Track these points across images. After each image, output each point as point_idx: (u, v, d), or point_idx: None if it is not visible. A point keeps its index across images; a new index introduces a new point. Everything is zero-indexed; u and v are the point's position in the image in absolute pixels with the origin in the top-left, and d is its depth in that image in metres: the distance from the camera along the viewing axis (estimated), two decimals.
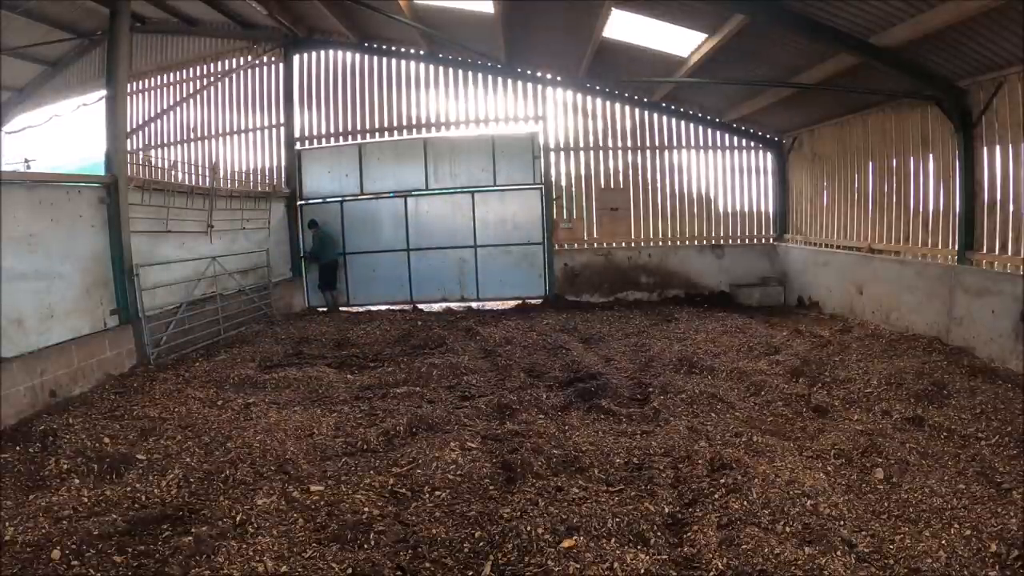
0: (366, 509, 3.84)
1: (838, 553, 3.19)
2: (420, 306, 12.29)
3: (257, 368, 7.34)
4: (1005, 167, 7.05)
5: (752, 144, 12.49)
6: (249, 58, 13.04)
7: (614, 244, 12.58)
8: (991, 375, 5.98)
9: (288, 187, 12.57)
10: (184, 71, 13.63)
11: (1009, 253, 6.96)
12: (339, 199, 12.60)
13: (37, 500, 3.91)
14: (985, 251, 7.33)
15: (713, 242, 12.51)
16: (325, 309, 12.26)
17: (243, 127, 13.26)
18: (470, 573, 3.23)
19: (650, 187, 12.51)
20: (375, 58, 12.67)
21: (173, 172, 12.08)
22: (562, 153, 12.54)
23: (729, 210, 12.58)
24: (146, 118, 13.95)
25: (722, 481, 4.00)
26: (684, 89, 11.30)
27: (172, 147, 13.78)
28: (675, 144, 12.47)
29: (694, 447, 4.53)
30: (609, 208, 12.51)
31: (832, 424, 5.18)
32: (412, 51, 12.48)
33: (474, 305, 12.31)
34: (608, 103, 12.44)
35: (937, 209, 8.18)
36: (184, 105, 13.62)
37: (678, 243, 12.51)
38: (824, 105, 9.82)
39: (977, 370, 6.13)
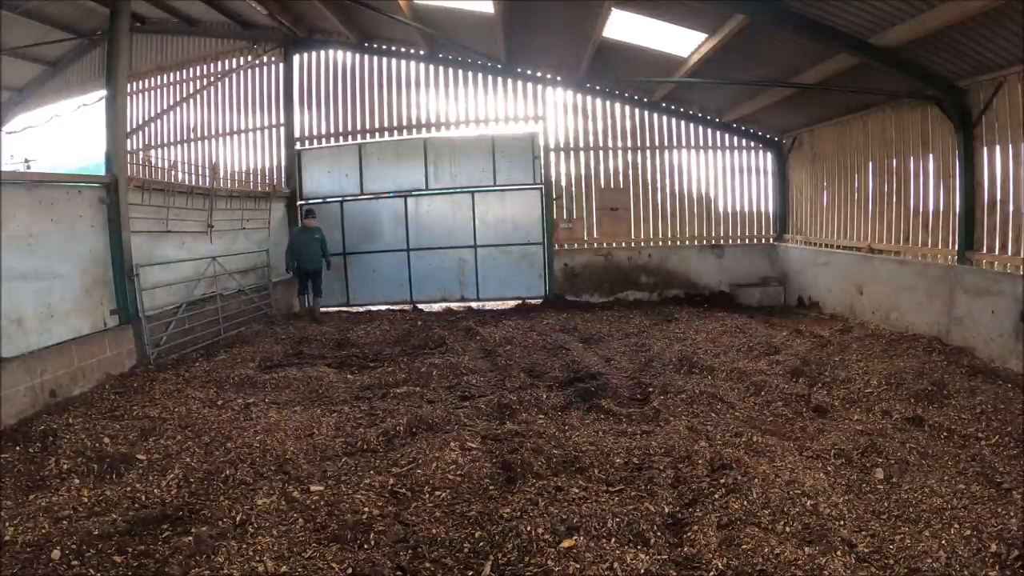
0: (366, 509, 3.84)
1: (838, 553, 3.19)
2: (420, 306, 12.28)
3: (257, 368, 7.34)
4: (1005, 167, 7.04)
5: (752, 144, 12.49)
6: (249, 58, 13.03)
7: (614, 244, 12.57)
8: (991, 375, 5.98)
9: (288, 187, 12.56)
10: (184, 71, 13.61)
11: (1009, 253, 6.96)
12: (339, 199, 12.58)
13: (37, 500, 3.91)
14: (985, 251, 7.32)
15: (713, 242, 12.50)
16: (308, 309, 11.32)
17: (243, 127, 13.24)
18: (470, 573, 3.23)
19: (650, 187, 12.50)
20: (375, 58, 12.66)
21: (173, 172, 12.07)
22: (562, 153, 12.53)
23: (729, 210, 12.57)
24: (146, 118, 13.93)
25: (722, 481, 4.00)
26: (684, 89, 11.30)
27: (172, 147, 13.76)
28: (675, 144, 12.46)
29: (694, 447, 4.53)
30: (609, 208, 12.51)
31: (832, 424, 5.18)
32: (412, 51, 12.47)
33: (474, 305, 12.30)
34: (608, 103, 12.43)
35: (937, 209, 8.18)
36: (184, 105, 13.61)
37: (678, 243, 12.50)
38: (824, 105, 9.82)
39: (977, 370, 6.13)
